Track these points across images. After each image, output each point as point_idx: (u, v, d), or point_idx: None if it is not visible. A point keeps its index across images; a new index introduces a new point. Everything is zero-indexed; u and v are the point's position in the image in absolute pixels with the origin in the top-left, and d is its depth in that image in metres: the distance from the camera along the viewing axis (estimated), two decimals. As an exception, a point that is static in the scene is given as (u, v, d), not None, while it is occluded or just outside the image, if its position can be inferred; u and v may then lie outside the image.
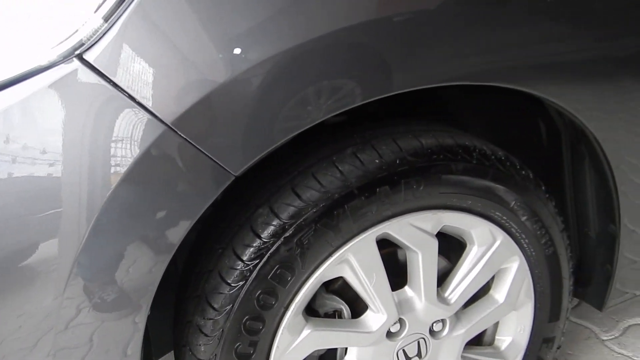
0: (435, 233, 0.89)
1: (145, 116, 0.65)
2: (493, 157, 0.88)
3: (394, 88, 0.74)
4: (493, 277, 0.99)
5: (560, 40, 0.82)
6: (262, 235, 0.79)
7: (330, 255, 0.82)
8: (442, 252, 0.98)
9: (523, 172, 0.92)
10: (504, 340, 1.05)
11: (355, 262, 0.84)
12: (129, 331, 0.74)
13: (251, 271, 0.79)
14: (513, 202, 0.90)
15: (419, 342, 0.94)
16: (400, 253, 0.94)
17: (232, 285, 0.79)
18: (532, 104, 1.03)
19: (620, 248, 1.03)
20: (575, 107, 0.86)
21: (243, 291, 0.79)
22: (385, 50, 0.72)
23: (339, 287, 0.92)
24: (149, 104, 0.64)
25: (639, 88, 0.90)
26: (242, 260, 0.79)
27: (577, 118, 0.88)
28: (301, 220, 0.78)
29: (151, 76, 0.64)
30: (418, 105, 1.11)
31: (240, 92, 0.67)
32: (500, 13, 0.77)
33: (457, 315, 0.97)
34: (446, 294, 0.94)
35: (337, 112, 0.72)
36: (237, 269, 0.79)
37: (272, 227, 0.79)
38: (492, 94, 1.10)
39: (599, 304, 1.12)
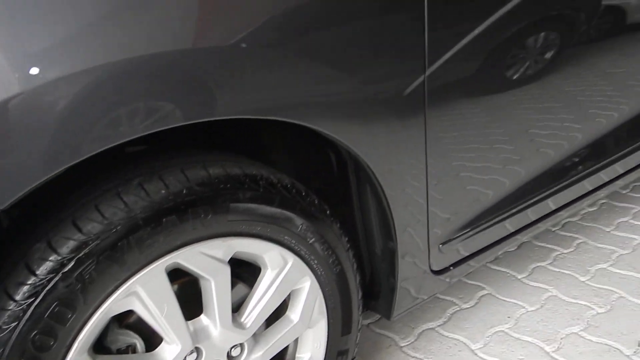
0: (228, 259, 0.92)
1: None
2: (279, 184, 0.95)
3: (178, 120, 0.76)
4: (289, 298, 1.05)
5: (332, 82, 0.92)
6: (37, 272, 0.75)
7: (116, 288, 0.80)
8: (244, 279, 1.02)
9: (308, 198, 0.99)
10: (303, 357, 1.11)
11: (144, 294, 0.83)
12: None
13: (25, 311, 0.74)
14: (300, 227, 0.97)
15: (217, 368, 0.96)
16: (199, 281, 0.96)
17: (3, 327, 0.73)
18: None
19: (399, 262, 1.16)
20: (349, 140, 0.97)
21: (15, 333, 0.74)
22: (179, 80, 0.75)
23: (134, 321, 0.91)
24: None
25: (402, 124, 1.04)
26: (15, 300, 0.74)
27: (351, 149, 0.98)
28: (82, 254, 0.76)
29: None
30: (240, 140, 1.15)
31: (14, 112, 0.64)
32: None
33: (255, 338, 1.01)
34: (242, 319, 0.97)
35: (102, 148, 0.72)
36: (8, 310, 0.74)
37: (49, 263, 0.75)
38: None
39: (388, 314, 1.25)
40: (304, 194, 0.99)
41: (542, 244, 1.90)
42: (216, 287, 0.90)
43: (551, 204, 1.56)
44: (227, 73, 0.80)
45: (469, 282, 1.74)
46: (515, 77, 1.27)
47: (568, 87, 1.43)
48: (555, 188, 1.55)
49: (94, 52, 0.69)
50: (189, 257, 0.86)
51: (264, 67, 0.83)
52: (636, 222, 1.98)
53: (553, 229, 1.98)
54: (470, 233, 1.34)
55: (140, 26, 0.73)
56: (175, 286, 0.92)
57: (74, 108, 0.69)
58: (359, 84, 0.95)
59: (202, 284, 0.91)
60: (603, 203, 2.13)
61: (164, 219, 0.82)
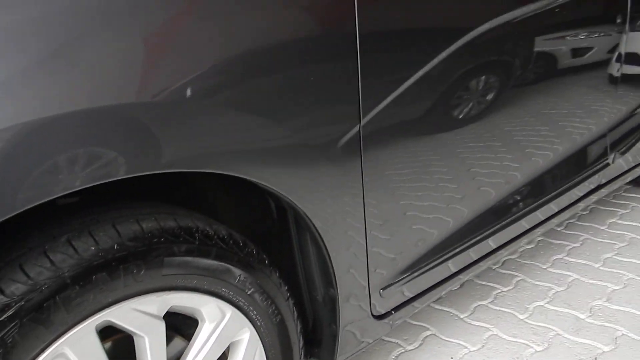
0: (163, 314, 0.90)
1: None
2: (216, 236, 0.94)
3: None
4: (229, 350, 1.03)
5: (265, 131, 0.93)
6: (-46, 339, 0.71)
7: (42, 351, 0.77)
8: (181, 331, 1.00)
9: (246, 249, 0.99)
10: (243, 410, 1.08)
11: (73, 355, 0.80)
12: None
13: (-61, 382, 0.70)
14: (238, 278, 0.97)
15: None
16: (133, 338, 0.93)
17: None
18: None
19: (340, 308, 1.17)
20: (284, 189, 0.98)
21: None
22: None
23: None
24: None
25: (338, 171, 1.06)
26: None
27: (288, 198, 0.99)
28: (4, 317, 0.73)
29: None
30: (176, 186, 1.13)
31: None
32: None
33: (193, 394, 0.98)
34: (178, 375, 0.95)
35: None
36: None
37: (-33, 329, 0.71)
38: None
39: (330, 362, 1.24)
40: (241, 244, 0.98)
41: (483, 282, 1.95)
42: (151, 344, 0.88)
43: (492, 243, 1.61)
44: (159, 126, 0.80)
45: (413, 322, 1.75)
46: (456, 118, 1.33)
47: (507, 127, 1.50)
48: (495, 227, 1.60)
49: (24, 106, 0.68)
50: (121, 315, 0.84)
51: (195, 119, 0.83)
52: (570, 259, 2.06)
53: (493, 267, 2.03)
54: (415, 274, 1.36)
55: (72, 79, 0.72)
56: (107, 344, 0.90)
57: (7, 160, 0.67)
58: (292, 132, 0.97)
59: (136, 341, 0.89)
60: (540, 240, 2.22)
61: (94, 277, 0.79)
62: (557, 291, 1.86)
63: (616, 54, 1.88)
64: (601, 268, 1.98)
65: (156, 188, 1.07)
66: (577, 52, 1.71)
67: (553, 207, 1.82)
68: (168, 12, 0.81)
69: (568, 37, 1.66)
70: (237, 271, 0.96)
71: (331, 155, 1.04)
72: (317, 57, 0.99)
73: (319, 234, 1.06)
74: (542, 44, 1.56)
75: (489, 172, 1.49)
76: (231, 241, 0.97)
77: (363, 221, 1.15)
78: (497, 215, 1.61)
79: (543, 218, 1.79)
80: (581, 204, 1.95)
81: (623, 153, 2.04)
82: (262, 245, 1.10)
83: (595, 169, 1.95)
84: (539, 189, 1.74)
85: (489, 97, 1.42)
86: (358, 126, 1.07)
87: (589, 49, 1.77)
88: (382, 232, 1.22)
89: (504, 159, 1.54)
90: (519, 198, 1.66)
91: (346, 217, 1.11)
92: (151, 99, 0.78)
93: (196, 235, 0.91)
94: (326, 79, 1.01)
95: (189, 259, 0.90)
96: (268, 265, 1.03)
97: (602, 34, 1.82)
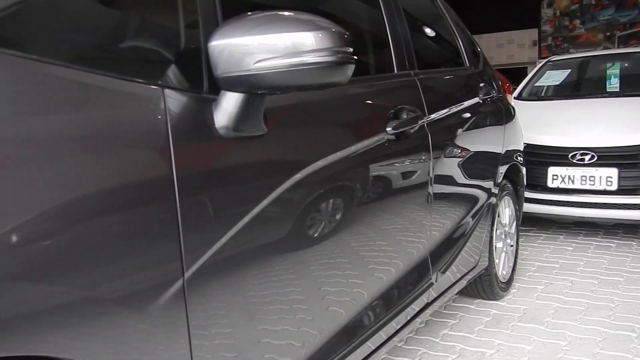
0: None
1: None
2: None
3: None
4: None
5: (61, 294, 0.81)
6: None
7: None
8: None
9: None
10: None
11: None
12: None
13: None
14: None
15: None
16: None
17: None
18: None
19: None
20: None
21: None
22: None
23: None
24: None
25: (157, 331, 0.96)
26: None
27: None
28: None
29: None
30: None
31: None
32: None
33: None
34: None
35: None
36: None
37: None
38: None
39: None
40: None
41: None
42: None
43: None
44: None
45: None
46: (301, 242, 1.31)
47: (353, 243, 1.53)
48: (345, 350, 1.57)
49: None
50: None
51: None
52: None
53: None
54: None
55: None
56: None
57: None
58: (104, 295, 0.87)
59: None
60: (383, 359, 2.25)
61: None
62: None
63: (428, 181, 2.04)
64: (438, 383, 2.05)
65: None
66: (405, 176, 1.85)
67: (394, 325, 1.86)
68: None
69: (397, 164, 1.79)
70: None
71: (151, 315, 0.95)
72: (132, 219, 0.91)
73: None
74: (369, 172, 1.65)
75: (337, 291, 1.49)
76: None
77: None
78: (346, 337, 1.58)
79: (386, 337, 1.82)
80: (418, 319, 2.03)
81: (443, 272, 2.20)
82: None
83: (423, 287, 2.06)
84: (382, 307, 1.77)
85: (335, 217, 1.45)
86: (182, 280, 0.99)
87: (413, 173, 1.92)
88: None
89: (350, 276, 1.55)
90: (366, 317, 1.67)
91: None
92: None
93: None
94: (144, 237, 0.92)
95: None
96: None
97: (417, 163, 1.97)
